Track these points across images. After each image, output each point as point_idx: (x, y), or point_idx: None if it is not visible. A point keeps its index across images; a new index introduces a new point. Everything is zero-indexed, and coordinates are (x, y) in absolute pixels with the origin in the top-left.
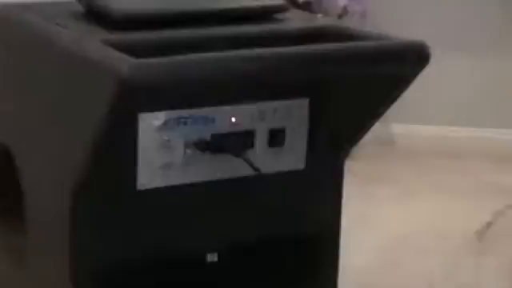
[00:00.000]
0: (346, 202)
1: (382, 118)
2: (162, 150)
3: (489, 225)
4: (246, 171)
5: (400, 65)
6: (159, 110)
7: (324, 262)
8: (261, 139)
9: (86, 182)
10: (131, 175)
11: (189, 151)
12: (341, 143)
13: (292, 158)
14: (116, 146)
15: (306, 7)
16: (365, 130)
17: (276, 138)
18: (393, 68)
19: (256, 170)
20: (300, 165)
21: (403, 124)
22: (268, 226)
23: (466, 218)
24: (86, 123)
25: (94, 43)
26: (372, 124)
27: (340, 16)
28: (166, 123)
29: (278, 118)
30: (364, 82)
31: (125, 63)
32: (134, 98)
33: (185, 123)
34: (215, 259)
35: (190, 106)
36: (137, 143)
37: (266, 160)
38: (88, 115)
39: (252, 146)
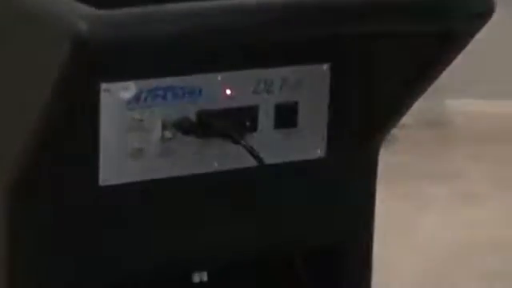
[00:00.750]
0: (381, 204)
1: (432, 92)
2: (133, 133)
3: None
4: (246, 162)
5: (455, 19)
6: (128, 78)
7: (350, 283)
8: (266, 118)
9: (31, 176)
10: (91, 167)
11: (168, 134)
12: (373, 124)
13: (307, 143)
14: (70, 126)
15: None
16: (406, 107)
17: (286, 116)
18: (445, 23)
19: (259, 160)
20: (318, 153)
21: (460, 99)
22: (275, 235)
23: None
24: (31, 94)
25: None
26: (415, 99)
27: None
28: (137, 96)
29: (288, 89)
30: (405, 43)
31: (83, 16)
32: (95, 61)
33: (163, 96)
34: (204, 279)
35: (170, 73)
36: (98, 123)
37: (273, 146)
38: (35, 84)
39: (254, 127)
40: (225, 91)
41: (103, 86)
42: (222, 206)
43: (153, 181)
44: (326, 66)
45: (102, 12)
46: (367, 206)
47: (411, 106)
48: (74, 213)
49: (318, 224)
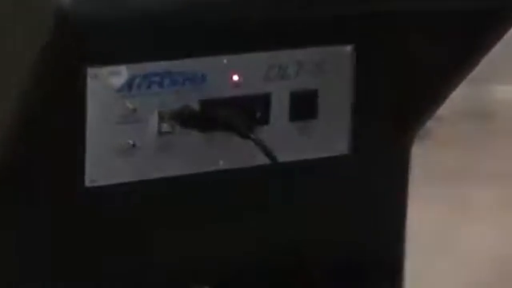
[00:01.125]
0: (414, 209)
1: (474, 78)
2: (124, 126)
3: None
4: (256, 159)
5: None
6: (119, 62)
7: None
8: (279, 108)
9: (7, 173)
10: (77, 165)
11: (166, 127)
12: (405, 116)
13: (328, 138)
14: (52, 117)
15: None
16: (443, 96)
17: (303, 106)
18: None
19: (271, 157)
20: (341, 149)
21: (508, 86)
22: (289, 242)
23: None
24: (12, 78)
25: None
26: (454, 87)
27: None
28: (129, 82)
29: (305, 75)
30: (441, 21)
31: None
32: (79, 39)
33: (159, 83)
34: None
35: (168, 56)
36: (84, 114)
37: (288, 141)
38: (13, 69)
39: (265, 119)
40: (232, 77)
41: (90, 70)
42: (228, 210)
43: (147, 181)
44: (349, 48)
45: None
46: (398, 212)
47: (449, 94)
48: (56, 216)
49: (339, 232)
